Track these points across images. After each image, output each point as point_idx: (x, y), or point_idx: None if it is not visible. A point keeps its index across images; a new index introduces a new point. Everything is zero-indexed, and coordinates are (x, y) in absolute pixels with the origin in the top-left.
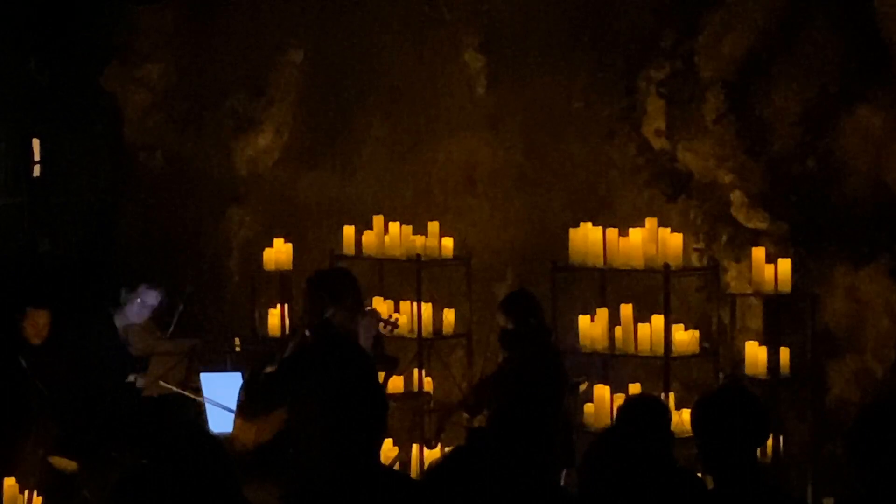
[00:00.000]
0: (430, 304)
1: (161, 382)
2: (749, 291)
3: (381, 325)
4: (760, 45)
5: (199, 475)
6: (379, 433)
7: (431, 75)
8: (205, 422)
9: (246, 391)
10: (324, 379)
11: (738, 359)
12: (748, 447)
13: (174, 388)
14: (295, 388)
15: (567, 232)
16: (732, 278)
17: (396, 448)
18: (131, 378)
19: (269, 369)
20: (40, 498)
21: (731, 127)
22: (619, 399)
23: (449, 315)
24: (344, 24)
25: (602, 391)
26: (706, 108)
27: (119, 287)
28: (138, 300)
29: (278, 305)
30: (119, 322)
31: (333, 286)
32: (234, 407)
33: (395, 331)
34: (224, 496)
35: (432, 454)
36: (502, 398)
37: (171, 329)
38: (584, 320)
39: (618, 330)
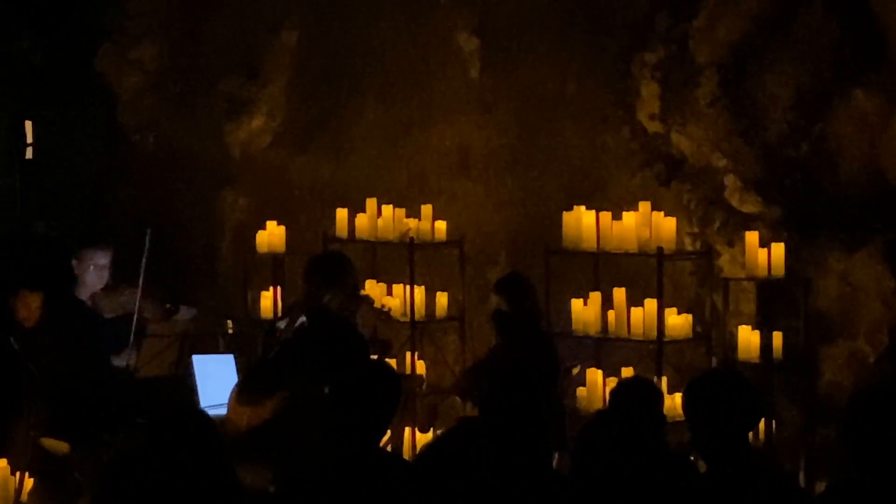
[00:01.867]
0: (422, 288)
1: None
2: (742, 276)
3: (377, 314)
4: (755, 29)
5: (193, 456)
6: (381, 417)
7: (425, 58)
8: (197, 403)
9: (246, 378)
10: (322, 363)
11: (731, 343)
12: (739, 429)
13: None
14: (295, 373)
15: (560, 215)
16: (726, 262)
17: (388, 431)
18: (123, 361)
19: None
20: (32, 480)
21: (725, 111)
22: (612, 383)
23: (442, 298)
24: (338, 6)
25: (594, 375)
26: (700, 93)
27: (69, 261)
28: (91, 266)
29: (271, 288)
30: (83, 294)
31: (330, 270)
32: (227, 388)
33: (389, 318)
34: (217, 477)
35: (424, 438)
36: (495, 382)
37: (141, 281)
38: (576, 304)
39: (611, 314)
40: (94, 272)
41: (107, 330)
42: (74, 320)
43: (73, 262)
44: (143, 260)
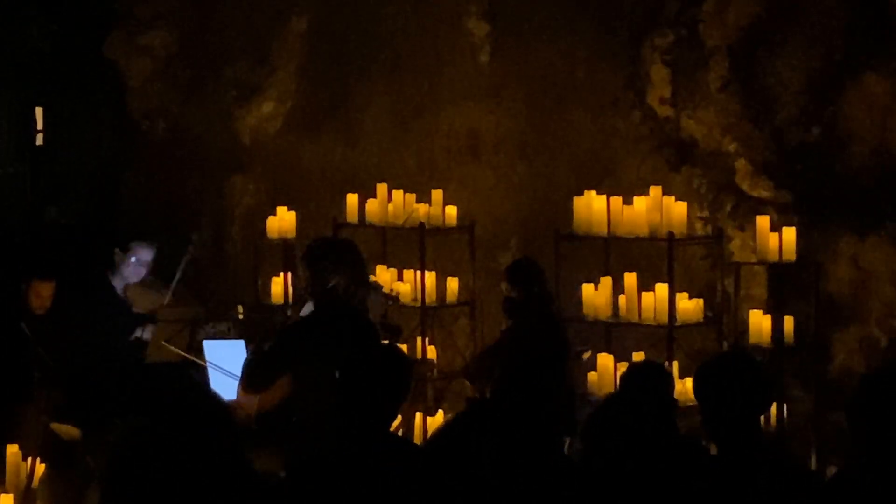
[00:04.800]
0: (433, 273)
1: (165, 344)
2: (753, 260)
3: (386, 299)
4: (765, 12)
5: (204, 440)
6: (391, 402)
7: (435, 43)
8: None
9: (247, 365)
10: (329, 348)
11: (742, 327)
12: (750, 414)
13: (178, 351)
14: (298, 358)
15: (571, 200)
16: (737, 247)
17: (399, 416)
18: (138, 333)
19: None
20: (43, 465)
21: (735, 95)
22: (623, 368)
23: (452, 283)
24: None
25: (605, 360)
26: (711, 77)
27: (112, 249)
28: (133, 259)
29: (281, 273)
30: (117, 283)
31: (335, 255)
32: (237, 373)
33: (398, 303)
34: (229, 461)
35: (434, 421)
36: (505, 366)
37: (175, 281)
38: (587, 289)
39: (621, 298)
40: (135, 266)
41: (126, 321)
42: (86, 307)
43: (117, 251)
44: (181, 269)
